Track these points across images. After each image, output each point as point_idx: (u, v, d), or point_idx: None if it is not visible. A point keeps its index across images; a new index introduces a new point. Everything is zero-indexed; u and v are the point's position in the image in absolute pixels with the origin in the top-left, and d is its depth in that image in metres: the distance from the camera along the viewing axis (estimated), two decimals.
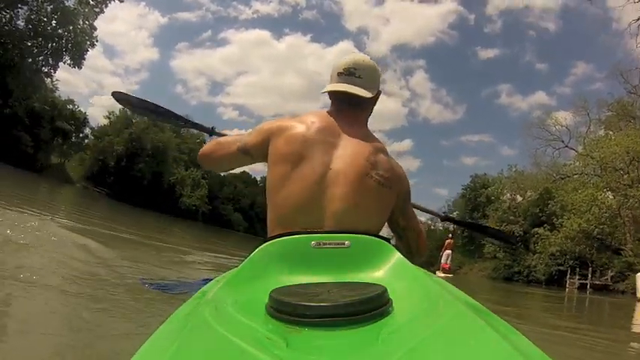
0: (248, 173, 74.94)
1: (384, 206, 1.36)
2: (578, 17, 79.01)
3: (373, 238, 1.15)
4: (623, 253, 28.11)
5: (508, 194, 39.51)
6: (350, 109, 1.45)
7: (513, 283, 31.03)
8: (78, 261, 3.68)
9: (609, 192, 28.46)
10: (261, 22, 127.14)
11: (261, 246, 1.12)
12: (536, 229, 33.88)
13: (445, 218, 2.55)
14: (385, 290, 0.83)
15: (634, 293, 21.87)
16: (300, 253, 1.09)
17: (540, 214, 35.32)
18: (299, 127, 1.35)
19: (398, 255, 1.11)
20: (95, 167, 43.50)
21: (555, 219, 31.97)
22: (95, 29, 32.47)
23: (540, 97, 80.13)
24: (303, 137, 1.33)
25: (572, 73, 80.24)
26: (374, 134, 1.47)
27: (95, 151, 43.68)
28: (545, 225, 33.04)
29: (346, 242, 1.11)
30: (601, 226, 28.34)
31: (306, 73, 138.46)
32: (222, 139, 1.63)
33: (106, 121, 46.15)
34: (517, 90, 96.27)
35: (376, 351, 0.66)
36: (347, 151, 1.31)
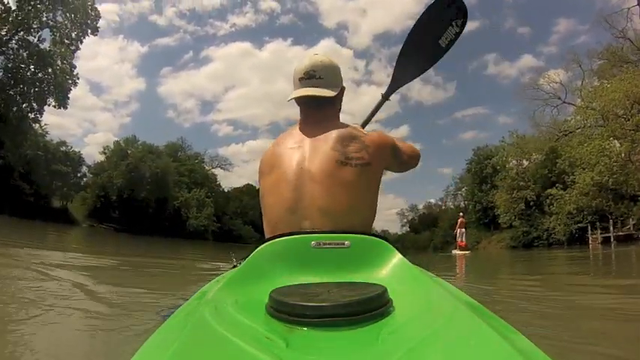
0: (252, 185, 74.85)
1: (367, 187, 1.39)
2: None
3: (373, 238, 1.15)
4: None
5: (514, 161, 38.73)
6: (316, 111, 1.50)
7: (534, 249, 30.83)
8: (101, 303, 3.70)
9: (615, 140, 27.86)
10: (240, 34, 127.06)
11: (261, 246, 1.13)
12: (549, 190, 33.22)
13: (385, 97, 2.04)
14: (385, 290, 0.84)
15: None
16: (299, 253, 1.10)
17: (550, 175, 34.84)
18: (274, 146, 1.47)
19: (398, 255, 1.12)
20: (98, 204, 43.38)
21: (566, 177, 31.39)
22: (74, 67, 32.32)
23: (528, 60, 79.86)
24: (277, 151, 1.44)
25: (555, 31, 79.83)
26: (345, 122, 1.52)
27: (95, 188, 43.60)
28: (558, 185, 32.46)
29: (346, 242, 1.12)
30: (614, 176, 27.64)
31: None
32: None
33: (102, 157, 46.24)
34: (503, 57, 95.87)
35: (376, 351, 0.66)
36: (315, 148, 1.36)
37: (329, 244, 1.12)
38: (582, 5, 69.77)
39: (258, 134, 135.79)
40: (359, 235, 1.15)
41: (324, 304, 0.76)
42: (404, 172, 1.71)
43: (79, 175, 44.61)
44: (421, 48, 1.98)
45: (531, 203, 35.24)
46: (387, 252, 1.13)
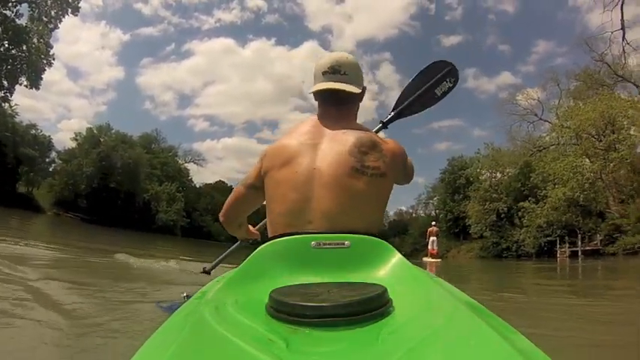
0: (224, 182, 74.05)
1: (380, 196, 1.36)
2: None
3: (373, 238, 1.15)
4: (610, 216, 28.88)
5: (487, 173, 39.57)
6: (336, 108, 1.46)
7: (503, 260, 31.67)
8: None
9: (586, 159, 29.12)
10: (225, 30, 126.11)
11: (261, 246, 1.12)
12: (521, 203, 34.22)
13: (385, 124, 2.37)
14: (385, 290, 0.84)
15: (626, 254, 22.36)
16: (300, 253, 1.10)
17: (523, 189, 35.79)
18: (287, 138, 1.40)
19: (398, 255, 1.12)
20: (65, 192, 41.94)
21: (538, 191, 32.51)
22: (51, 47, 31.00)
23: (506, 77, 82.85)
24: (290, 145, 1.37)
25: (535, 52, 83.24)
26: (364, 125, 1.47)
27: (64, 175, 42.12)
28: (530, 198, 33.55)
29: (346, 242, 1.12)
30: (585, 193, 28.88)
31: (274, 76, 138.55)
32: (233, 189, 1.63)
33: (73, 144, 44.68)
34: (483, 73, 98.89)
35: (376, 351, 0.66)
36: (330, 149, 1.32)
37: (329, 244, 1.12)
38: (562, 28, 72.24)
39: (234, 132, 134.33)
40: (359, 236, 1.15)
41: (324, 304, 0.76)
42: (403, 184, 1.71)
43: (47, 160, 43.37)
44: (420, 93, 2.28)
45: (502, 215, 36.38)
46: (387, 252, 1.13)
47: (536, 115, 38.79)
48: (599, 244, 28.25)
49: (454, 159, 49.44)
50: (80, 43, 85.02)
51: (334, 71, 1.46)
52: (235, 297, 0.91)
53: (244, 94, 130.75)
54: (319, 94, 1.51)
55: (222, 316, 0.79)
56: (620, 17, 29.51)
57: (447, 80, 2.31)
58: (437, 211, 51.23)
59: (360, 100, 1.56)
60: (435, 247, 24.06)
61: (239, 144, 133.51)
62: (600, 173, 28.66)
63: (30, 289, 3.69)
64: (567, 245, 29.85)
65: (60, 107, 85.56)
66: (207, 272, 2.82)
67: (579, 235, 29.21)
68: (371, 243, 1.15)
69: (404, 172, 1.55)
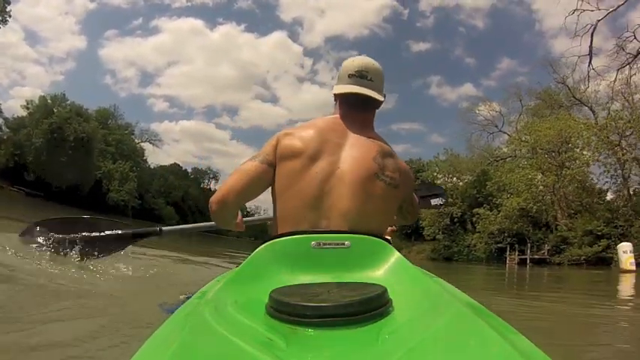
0: (179, 165, 72.47)
1: (391, 206, 1.40)
2: (505, 17, 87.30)
3: (373, 238, 1.16)
4: (558, 228, 30.77)
5: (444, 178, 41.06)
6: (358, 113, 1.47)
7: (453, 263, 32.63)
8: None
9: (539, 173, 31.01)
10: (195, 10, 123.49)
11: (262, 246, 1.12)
12: (476, 209, 35.71)
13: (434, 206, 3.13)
14: (385, 290, 0.84)
15: (571, 264, 23.85)
16: (300, 253, 1.10)
17: (478, 196, 37.30)
18: (308, 128, 1.39)
19: (398, 255, 1.12)
20: (11, 163, 39.84)
21: (493, 199, 34.17)
22: (8, 3, 28.61)
23: (468, 88, 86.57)
24: (313, 137, 1.36)
25: (498, 68, 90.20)
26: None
27: (10, 145, 39.94)
28: (485, 205, 35.06)
29: (346, 242, 1.12)
30: (537, 204, 30.84)
31: (239, 63, 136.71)
32: (239, 167, 1.46)
33: (24, 112, 42.21)
34: (447, 82, 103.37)
35: (376, 351, 0.67)
36: (355, 152, 1.34)
37: (329, 244, 1.12)
38: (526, 50, 79.01)
39: (193, 115, 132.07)
40: (359, 236, 1.15)
41: (324, 304, 0.77)
42: (403, 219, 1.77)
43: None
44: (420, 197, 2.56)
45: (456, 220, 37.49)
46: (387, 252, 1.13)
47: (496, 126, 40.90)
48: (546, 253, 30.14)
49: (411, 161, 50.70)
50: (42, 6, 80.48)
51: (361, 76, 1.46)
52: (235, 297, 0.90)
53: (207, 78, 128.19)
54: (344, 96, 1.49)
55: (222, 316, 0.78)
56: (588, 44, 31.08)
57: (439, 199, 3.07)
58: None
59: (379, 107, 1.56)
60: None
61: (197, 128, 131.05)
62: (553, 188, 30.44)
63: None
64: (517, 253, 31.32)
65: (14, 73, 79.89)
66: (159, 233, 2.70)
67: (528, 244, 30.91)
68: (371, 243, 1.15)
69: (410, 200, 1.60)
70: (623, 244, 17.98)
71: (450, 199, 38.72)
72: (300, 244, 1.13)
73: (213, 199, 1.41)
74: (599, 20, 30.57)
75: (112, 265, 3.37)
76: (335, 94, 1.53)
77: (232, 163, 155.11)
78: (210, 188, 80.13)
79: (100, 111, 50.97)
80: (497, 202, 33.26)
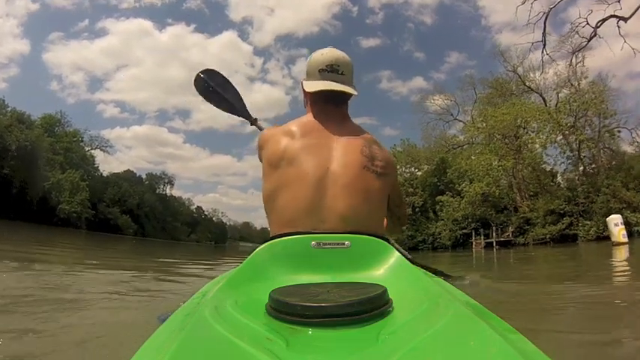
0: (132, 172, 69.90)
1: (384, 195, 1.39)
2: (452, 13, 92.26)
3: (373, 238, 1.16)
4: (520, 210, 31.49)
5: (402, 168, 41.27)
6: (334, 108, 1.45)
7: (419, 252, 32.74)
8: None
9: (498, 157, 31.58)
10: (143, 11, 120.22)
11: (262, 246, 1.13)
12: (439, 197, 36.07)
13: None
14: (385, 290, 0.85)
15: (536, 244, 24.28)
16: (300, 253, 1.10)
17: (438, 184, 37.72)
18: (290, 131, 1.36)
19: (398, 255, 1.13)
20: None
21: (454, 186, 34.71)
22: None
23: (418, 82, 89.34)
24: (297, 140, 1.34)
25: (447, 62, 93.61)
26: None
27: None
28: (447, 192, 35.49)
29: (346, 242, 1.12)
30: (499, 188, 31.66)
31: (189, 64, 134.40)
32: None
33: None
34: (397, 76, 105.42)
35: (376, 351, 0.66)
36: (342, 149, 1.33)
37: (329, 244, 1.12)
38: (473, 44, 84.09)
39: (145, 120, 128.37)
40: (359, 236, 1.15)
41: (324, 304, 0.76)
42: (391, 228, 1.71)
43: None
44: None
45: (417, 209, 37.55)
46: (387, 252, 1.14)
47: (452, 114, 41.83)
48: (510, 235, 30.75)
49: None
50: None
51: (332, 70, 1.43)
52: (235, 297, 0.90)
53: (157, 81, 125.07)
54: (318, 94, 1.45)
55: (222, 316, 0.78)
56: (542, 31, 31.96)
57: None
58: None
59: (350, 98, 1.53)
60: None
61: (149, 132, 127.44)
62: (512, 171, 31.39)
63: None
64: (482, 237, 31.91)
65: None
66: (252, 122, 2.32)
67: (493, 227, 31.56)
68: (371, 243, 1.15)
69: (397, 191, 1.57)
70: (613, 216, 17.64)
71: (410, 189, 38.91)
72: (300, 244, 1.12)
73: None
74: (551, 8, 31.74)
75: None
76: (305, 92, 1.49)
77: (187, 167, 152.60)
78: (166, 193, 77.66)
79: (45, 118, 48.54)
80: (459, 189, 33.76)
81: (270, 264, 1.08)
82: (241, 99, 2.26)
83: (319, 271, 1.07)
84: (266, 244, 1.14)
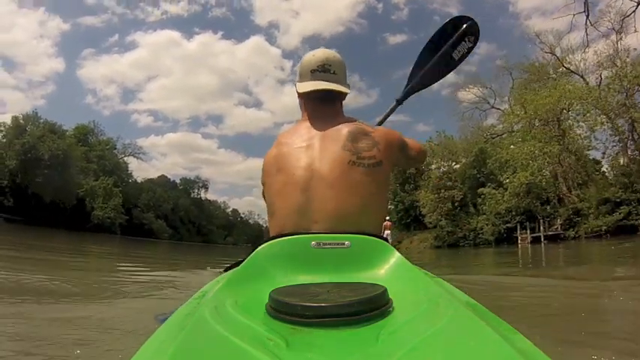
0: (166, 177, 69.83)
1: (380, 188, 1.36)
2: (478, 2, 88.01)
3: (373, 238, 1.16)
4: (569, 200, 29.15)
5: (439, 162, 39.26)
6: (326, 107, 1.46)
7: (460, 249, 30.53)
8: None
9: (539, 144, 29.36)
10: (171, 22, 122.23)
11: (262, 246, 1.14)
12: (481, 189, 34.27)
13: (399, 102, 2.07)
14: (385, 290, 0.85)
15: (588, 237, 21.80)
16: (300, 253, 1.10)
17: (478, 175, 36.14)
18: (280, 144, 1.39)
19: (397, 255, 1.13)
20: None
21: (495, 177, 33.02)
22: None
23: (449, 76, 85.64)
24: (284, 150, 1.37)
25: (476, 53, 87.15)
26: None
27: None
28: (489, 184, 33.80)
29: (346, 242, 1.12)
30: (546, 177, 29.65)
31: (218, 70, 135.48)
32: None
33: None
34: None
35: (376, 351, 0.66)
36: (325, 148, 1.32)
37: (329, 244, 1.11)
38: (502, 32, 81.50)
39: (179, 127, 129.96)
40: (359, 236, 1.15)
41: (324, 304, 0.77)
42: (412, 167, 1.88)
43: None
44: (437, 58, 2.02)
45: (456, 204, 35.62)
46: (387, 252, 1.13)
47: (488, 102, 40.02)
48: (559, 228, 28.41)
49: None
50: (16, 30, 77.56)
51: (324, 70, 1.44)
52: (235, 297, 0.90)
53: (188, 89, 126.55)
54: (310, 94, 1.46)
55: (222, 316, 0.78)
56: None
57: (467, 40, 2.01)
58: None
59: (345, 98, 1.54)
60: (390, 241, 23.18)
61: (183, 139, 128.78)
62: (558, 158, 29.15)
63: None
64: (528, 231, 29.76)
65: None
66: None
67: (541, 220, 29.22)
68: (371, 243, 1.14)
69: (403, 155, 1.51)
70: None
71: (448, 183, 36.63)
72: (300, 244, 1.12)
73: None
74: None
75: None
76: (299, 93, 1.50)
77: (222, 172, 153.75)
78: (200, 197, 77.61)
79: (78, 128, 48.91)
80: (501, 180, 31.78)
81: (270, 264, 1.08)
82: None
83: (319, 271, 1.06)
84: (266, 244, 1.14)
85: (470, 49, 2.02)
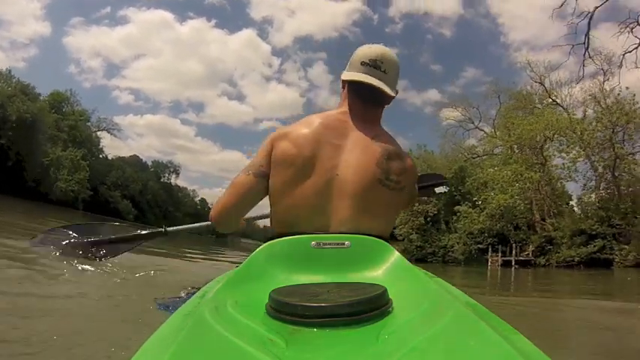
0: (138, 157, 67.50)
1: (395, 209, 1.36)
2: (472, 28, 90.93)
3: (373, 238, 1.16)
4: (543, 227, 29.58)
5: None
6: (366, 107, 1.38)
7: (427, 265, 29.53)
8: None
9: (525, 169, 29.60)
10: (166, 2, 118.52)
11: (262, 246, 1.13)
12: (457, 207, 34.35)
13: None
14: (385, 291, 0.85)
15: (559, 266, 21.82)
16: (300, 253, 1.10)
17: (455, 194, 35.79)
18: (303, 129, 1.30)
19: (397, 255, 1.13)
20: None
21: (472, 197, 33.27)
22: None
23: (433, 94, 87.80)
24: (307, 139, 1.27)
25: (463, 76, 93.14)
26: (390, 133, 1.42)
27: None
28: (467, 202, 33.90)
29: (346, 243, 1.12)
30: (525, 202, 29.68)
31: (207, 59, 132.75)
32: (233, 180, 1.40)
33: None
34: (412, 86, 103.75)
35: (376, 351, 0.67)
36: (356, 156, 1.26)
37: (329, 244, 1.11)
38: (490, 60, 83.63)
39: (159, 110, 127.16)
40: (359, 236, 1.15)
41: (324, 304, 0.77)
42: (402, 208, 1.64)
43: None
44: (425, 186, 2.70)
45: (428, 219, 36.31)
46: (387, 252, 1.13)
47: (473, 122, 40.33)
48: (530, 254, 28.74)
49: None
50: None
51: (375, 66, 1.35)
52: (235, 297, 0.90)
53: (174, 73, 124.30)
54: (353, 85, 1.39)
55: (222, 316, 0.78)
56: (585, 32, 29.57)
57: (443, 188, 2.85)
58: None
59: (389, 103, 1.46)
60: None
61: (162, 122, 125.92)
62: (538, 185, 29.44)
63: None
64: (500, 254, 29.98)
65: None
66: (164, 234, 2.55)
67: (513, 244, 29.54)
68: (371, 243, 1.14)
69: (412, 194, 1.53)
70: None
71: (424, 197, 36.12)
72: (300, 244, 1.12)
73: (211, 215, 1.44)
74: (597, 7, 28.95)
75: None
76: (343, 81, 1.43)
77: (196, 160, 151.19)
78: (170, 182, 75.54)
79: (53, 94, 46.33)
80: (477, 201, 32.28)
81: (270, 264, 1.08)
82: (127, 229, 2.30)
83: (319, 271, 1.06)
84: (266, 244, 1.14)
85: (444, 192, 2.88)
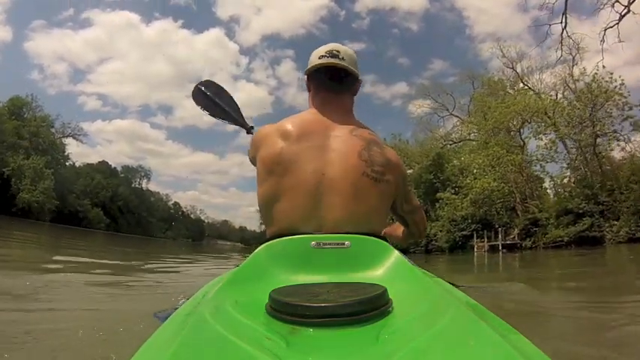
0: (107, 163, 64.76)
1: (384, 201, 1.34)
2: (437, 21, 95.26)
3: (373, 238, 1.16)
4: (527, 209, 29.08)
5: None
6: (335, 97, 1.40)
7: (410, 255, 28.25)
8: None
9: (503, 151, 29.21)
10: (130, 3, 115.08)
11: (262, 246, 1.13)
12: (440, 194, 33.65)
13: None
14: (385, 290, 0.85)
15: (546, 248, 21.19)
16: (300, 253, 1.09)
17: (435, 181, 35.53)
18: (285, 134, 1.30)
19: (397, 255, 1.13)
20: None
21: (450, 183, 32.73)
22: None
23: (401, 87, 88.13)
24: (293, 141, 1.28)
25: (430, 68, 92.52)
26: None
27: None
28: (448, 189, 33.25)
29: (346, 242, 1.11)
30: (508, 185, 29.04)
31: (175, 60, 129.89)
32: None
33: None
34: (381, 80, 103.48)
35: (376, 351, 0.67)
36: (339, 153, 1.27)
37: (329, 244, 1.11)
38: (457, 53, 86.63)
39: (127, 114, 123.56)
40: (359, 236, 1.15)
41: (324, 304, 0.77)
42: (408, 239, 1.68)
43: None
44: None
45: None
46: (387, 252, 1.13)
47: (447, 109, 39.98)
48: (516, 237, 28.25)
49: None
50: None
51: (332, 55, 1.39)
52: (235, 297, 0.89)
53: (141, 75, 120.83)
54: (317, 74, 1.43)
55: (222, 316, 0.78)
56: (563, 9, 27.40)
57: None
58: None
59: (354, 93, 1.50)
60: None
61: (132, 127, 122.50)
62: (520, 167, 29.10)
63: None
64: (486, 240, 29.40)
65: None
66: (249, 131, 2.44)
67: (500, 229, 28.81)
68: (371, 243, 1.14)
69: (407, 197, 1.49)
70: None
71: None
72: (300, 244, 1.11)
73: None
74: None
75: None
76: (308, 76, 1.46)
77: (168, 164, 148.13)
78: (142, 187, 72.84)
79: (13, 99, 43.86)
80: (460, 185, 31.20)
81: (270, 264, 1.07)
82: (238, 108, 2.23)
83: (319, 271, 1.06)
84: (266, 244, 1.14)
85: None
